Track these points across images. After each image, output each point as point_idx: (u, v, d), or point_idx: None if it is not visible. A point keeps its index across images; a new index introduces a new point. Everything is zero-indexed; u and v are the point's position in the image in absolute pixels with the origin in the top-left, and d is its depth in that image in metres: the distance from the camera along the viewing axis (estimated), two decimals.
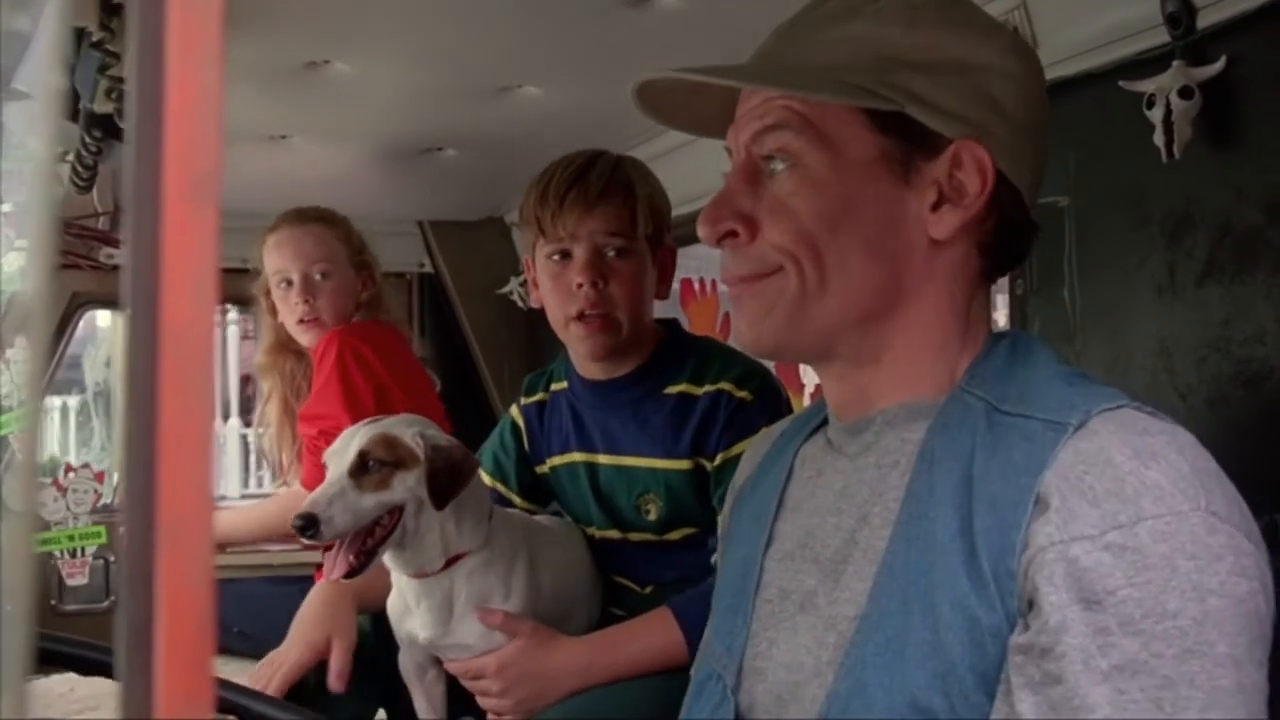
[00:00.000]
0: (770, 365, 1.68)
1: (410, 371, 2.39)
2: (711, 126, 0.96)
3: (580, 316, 1.56)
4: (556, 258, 1.57)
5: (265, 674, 1.61)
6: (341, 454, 1.52)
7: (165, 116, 0.35)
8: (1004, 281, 1.64)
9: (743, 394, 1.55)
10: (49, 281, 0.33)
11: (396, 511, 1.51)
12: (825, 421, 0.97)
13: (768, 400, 1.55)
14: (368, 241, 2.40)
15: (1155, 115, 1.25)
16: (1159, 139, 1.25)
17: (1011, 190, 0.87)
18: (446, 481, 1.51)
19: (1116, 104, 1.32)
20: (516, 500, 1.78)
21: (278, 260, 2.31)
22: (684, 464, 1.57)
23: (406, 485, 1.50)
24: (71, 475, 1.45)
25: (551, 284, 1.58)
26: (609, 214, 1.54)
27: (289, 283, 2.30)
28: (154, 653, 0.33)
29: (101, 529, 1.48)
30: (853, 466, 0.90)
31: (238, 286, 2.46)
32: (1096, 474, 0.73)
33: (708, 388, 1.56)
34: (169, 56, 0.35)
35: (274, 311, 2.37)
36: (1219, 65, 1.22)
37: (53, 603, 2.49)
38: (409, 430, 1.54)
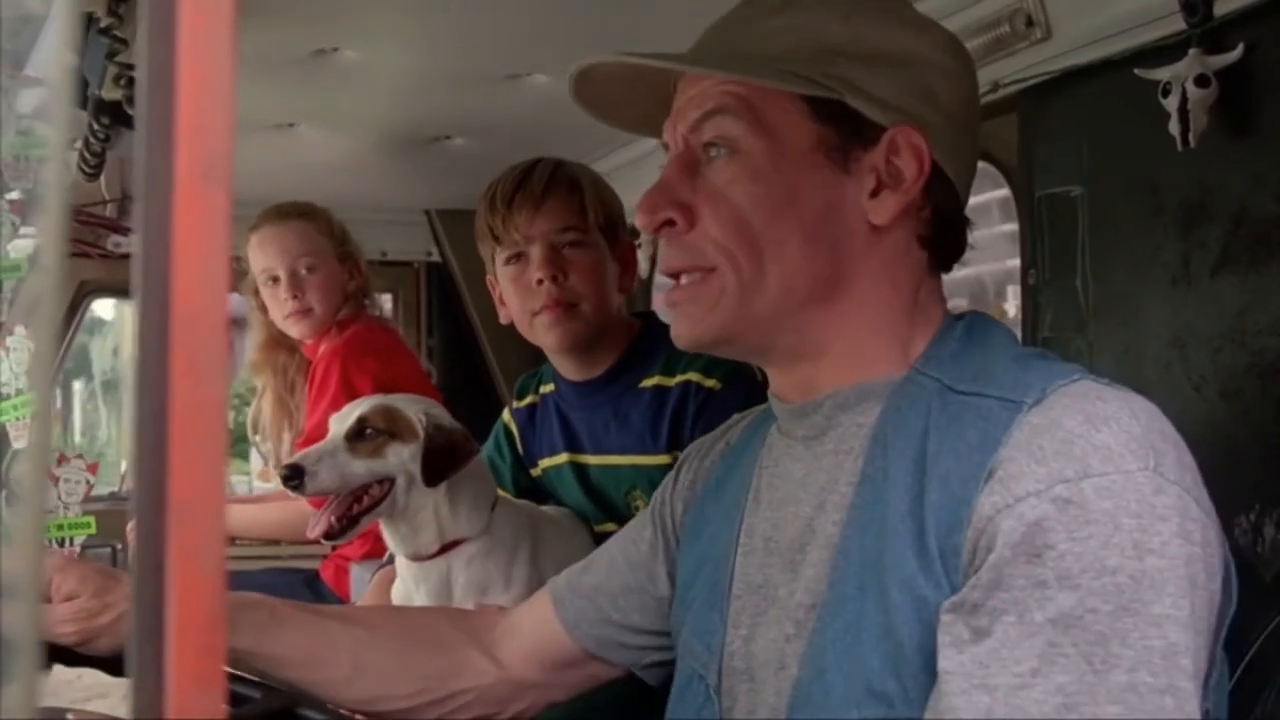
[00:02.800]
0: None
1: (410, 367, 2.40)
2: (648, 124, 0.96)
3: (544, 309, 1.58)
4: (514, 262, 1.60)
5: None
6: (343, 419, 1.54)
7: (177, 98, 0.34)
8: (1016, 271, 1.63)
9: (710, 383, 1.54)
10: (60, 269, 0.33)
11: (387, 483, 1.52)
12: None
13: (737, 386, 1.53)
14: (350, 232, 2.41)
15: (1171, 104, 1.24)
16: (1174, 128, 1.24)
17: (946, 184, 0.88)
18: (441, 460, 1.52)
19: (1131, 92, 1.31)
20: None
21: (262, 258, 2.31)
22: (663, 458, 1.57)
23: (400, 457, 1.52)
24: (65, 465, 1.46)
25: (514, 287, 1.60)
26: (557, 209, 1.57)
27: (275, 279, 2.30)
28: (165, 639, 0.33)
29: (90, 519, 1.48)
30: (810, 454, 0.89)
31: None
32: (1047, 438, 0.73)
33: (678, 378, 1.57)
34: (180, 37, 0.34)
35: (264, 309, 2.37)
36: (1236, 53, 1.21)
37: None
38: (415, 407, 1.55)
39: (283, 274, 2.29)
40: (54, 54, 0.33)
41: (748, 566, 0.92)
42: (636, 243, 1.69)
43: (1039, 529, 0.70)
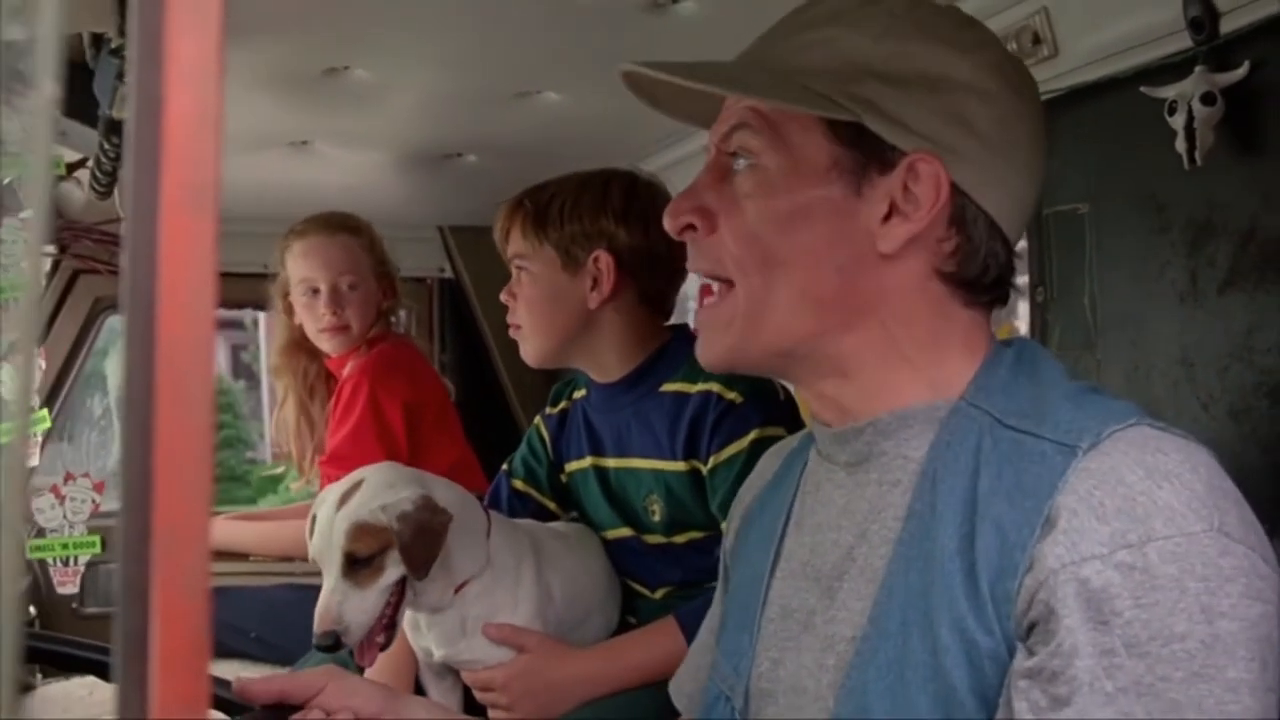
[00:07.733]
0: None
1: (434, 385, 2.41)
2: (709, 119, 0.95)
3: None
4: None
5: None
6: (326, 552, 1.49)
7: (164, 126, 0.34)
8: (1023, 288, 1.62)
9: (732, 395, 1.53)
10: (38, 290, 0.33)
11: (401, 582, 1.50)
12: None
13: (759, 402, 1.52)
14: (388, 249, 2.42)
15: (1177, 121, 1.24)
16: (1181, 145, 1.23)
17: (982, 215, 0.84)
18: (421, 550, 1.48)
19: (1138, 110, 1.31)
20: (550, 505, 1.81)
21: (304, 268, 2.31)
22: (680, 465, 1.57)
23: (397, 561, 1.48)
24: (71, 484, 1.47)
25: None
26: (509, 239, 1.68)
27: (316, 291, 2.31)
28: (149, 660, 0.33)
29: (96, 539, 1.49)
30: (853, 481, 0.88)
31: (259, 292, 2.47)
32: (1107, 491, 0.71)
33: (700, 386, 1.56)
34: (167, 67, 0.35)
35: (290, 312, 2.37)
36: (1242, 71, 1.21)
37: (74, 606, 2.51)
38: (374, 504, 1.48)
39: (324, 287, 2.29)
40: (36, 80, 0.33)
41: (783, 590, 0.91)
42: None
43: (1105, 595, 0.69)
